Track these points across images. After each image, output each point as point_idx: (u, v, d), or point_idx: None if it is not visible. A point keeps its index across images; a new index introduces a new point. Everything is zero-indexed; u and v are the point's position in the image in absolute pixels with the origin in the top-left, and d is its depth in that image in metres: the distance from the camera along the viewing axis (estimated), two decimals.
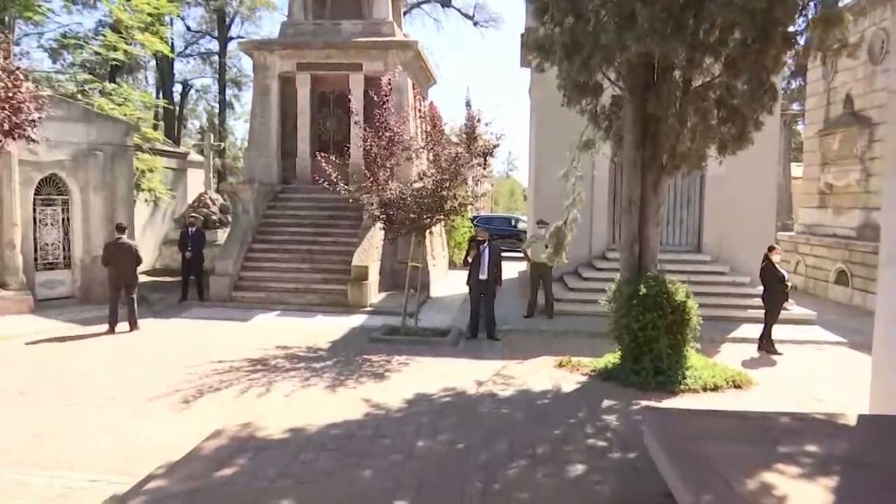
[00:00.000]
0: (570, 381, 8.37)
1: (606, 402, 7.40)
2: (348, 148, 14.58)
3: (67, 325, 11.66)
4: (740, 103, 7.57)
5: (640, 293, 7.97)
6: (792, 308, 12.05)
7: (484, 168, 11.84)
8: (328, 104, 17.53)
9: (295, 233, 15.20)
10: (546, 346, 10.47)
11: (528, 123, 18.13)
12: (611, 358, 8.79)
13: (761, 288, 10.64)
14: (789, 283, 10.82)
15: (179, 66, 34.40)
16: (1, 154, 11.55)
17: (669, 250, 13.02)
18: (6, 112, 7.83)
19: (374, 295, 14.08)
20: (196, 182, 21.88)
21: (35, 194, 12.82)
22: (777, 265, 10.31)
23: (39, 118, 8.25)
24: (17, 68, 8.21)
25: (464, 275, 12.16)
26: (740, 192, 13.41)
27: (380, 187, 10.62)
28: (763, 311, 10.60)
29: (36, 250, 12.95)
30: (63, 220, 13.38)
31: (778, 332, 10.63)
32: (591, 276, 13.30)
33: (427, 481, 5.01)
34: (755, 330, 10.91)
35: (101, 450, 6.12)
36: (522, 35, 16.37)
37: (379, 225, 11.86)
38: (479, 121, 10.91)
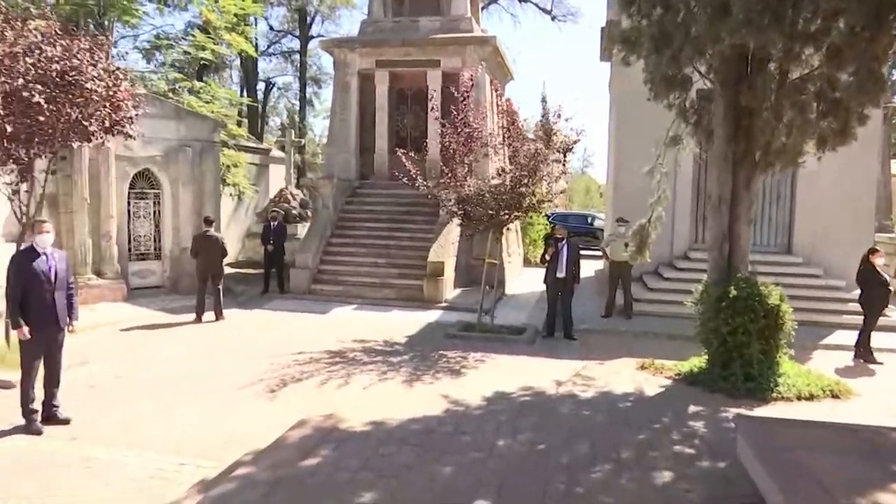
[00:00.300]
0: (652, 385, 8.11)
1: (693, 408, 7.12)
2: (426, 144, 14.63)
3: (158, 313, 12.20)
4: (844, 96, 7.12)
5: (730, 295, 7.62)
6: (892, 315, 11.31)
7: (563, 164, 11.64)
8: (406, 101, 17.67)
9: (372, 228, 15.39)
10: (625, 348, 10.21)
11: (608, 119, 17.73)
12: (696, 362, 8.47)
13: (857, 292, 10.03)
14: (892, 289, 10.16)
15: (262, 65, 35.45)
16: (100, 150, 12.21)
17: (757, 251, 12.44)
18: (107, 110, 8.20)
19: (450, 291, 14.10)
20: (277, 177, 22.48)
21: (129, 188, 13.46)
22: (880, 269, 9.69)
23: (136, 115, 8.60)
24: (117, 68, 8.59)
25: (538, 272, 12.03)
26: (836, 190, 12.68)
27: (458, 183, 10.60)
28: (860, 316, 10.00)
29: (130, 241, 13.60)
30: (154, 212, 14.00)
31: (876, 339, 10.00)
32: (673, 277, 12.89)
33: (508, 480, 4.95)
34: (849, 337, 10.31)
35: (190, 435, 6.35)
36: (603, 29, 16.04)
37: (456, 221, 11.86)
38: (559, 116, 10.73)
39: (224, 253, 12.02)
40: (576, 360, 9.40)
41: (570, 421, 6.57)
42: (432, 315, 12.64)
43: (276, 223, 14.75)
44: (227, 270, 13.30)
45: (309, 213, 18.59)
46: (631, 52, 8.13)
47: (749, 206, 8.13)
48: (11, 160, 7.95)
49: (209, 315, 11.75)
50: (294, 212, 18.48)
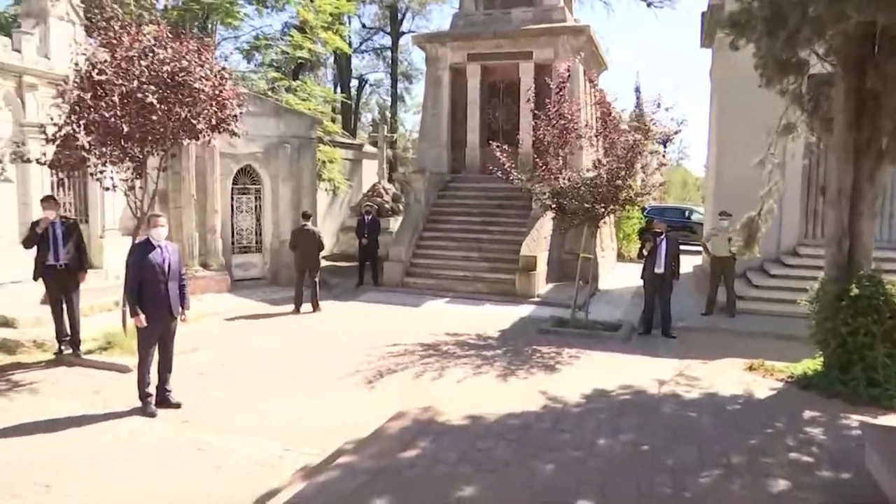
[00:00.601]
0: (762, 387, 7.67)
1: (808, 413, 6.68)
2: (518, 137, 14.48)
3: (259, 304, 12.67)
4: None
5: (852, 294, 7.07)
6: None
7: (662, 156, 11.22)
8: (498, 94, 17.55)
9: (464, 221, 15.40)
10: (727, 347, 9.73)
11: (708, 107, 16.97)
12: (811, 364, 7.93)
13: None
14: None
15: (355, 62, 36.17)
16: (206, 148, 12.78)
17: (880, 247, 11.58)
18: (213, 108, 8.54)
19: (542, 285, 13.91)
20: (370, 172, 22.93)
21: (232, 184, 14.04)
22: None
23: (240, 113, 8.92)
24: (222, 69, 8.93)
25: (632, 268, 11.66)
26: None
27: (552, 176, 10.41)
28: None
29: (233, 235, 14.19)
30: (255, 207, 14.55)
31: None
32: (780, 274, 12.19)
33: (610, 481, 4.80)
34: None
35: (292, 422, 6.53)
36: (704, 13, 15.33)
37: (549, 215, 11.68)
38: (658, 105, 10.34)
39: (320, 246, 12.34)
40: (675, 359, 9.05)
41: (674, 422, 6.31)
42: (524, 310, 12.51)
43: (370, 217, 15.02)
44: (323, 263, 13.65)
45: (401, 207, 18.84)
46: (740, 36, 7.68)
47: (873, 199, 7.52)
48: (128, 158, 8.42)
49: (307, 306, 12.10)
50: (387, 206, 18.79)
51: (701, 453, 5.44)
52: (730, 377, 8.05)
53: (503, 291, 13.60)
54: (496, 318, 11.81)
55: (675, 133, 10.51)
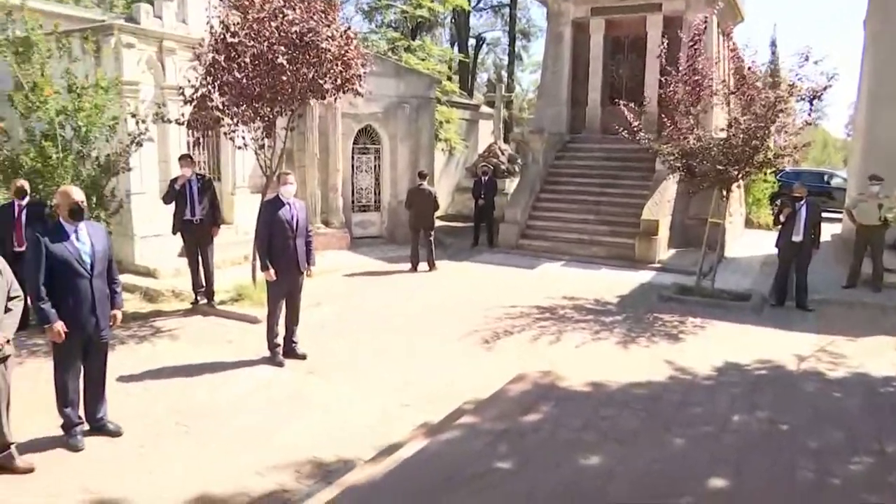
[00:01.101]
0: None
1: None
2: (644, 95, 13.75)
3: (376, 261, 12.94)
4: None
5: None
6: None
7: (809, 114, 10.28)
8: (622, 50, 16.72)
9: (582, 183, 14.95)
10: (873, 324, 8.92)
11: (860, 61, 15.39)
12: None
13: None
14: None
15: (473, 21, 35.65)
16: (329, 108, 13.06)
17: None
18: (339, 68, 8.63)
19: (663, 251, 13.31)
20: (485, 132, 22.73)
21: (353, 144, 14.31)
22: None
23: (365, 73, 8.97)
24: (348, 28, 8.98)
25: (762, 235, 10.86)
26: None
27: (681, 136, 9.81)
28: None
29: (353, 194, 14.53)
30: (374, 167, 14.79)
31: None
32: None
33: (747, 460, 4.51)
34: None
35: (410, 379, 6.63)
36: None
37: (674, 177, 11.07)
38: (806, 58, 9.44)
39: (435, 206, 12.37)
40: (814, 334, 8.40)
41: (816, 401, 5.85)
42: (644, 276, 12.04)
43: (486, 178, 14.88)
44: (438, 223, 13.73)
45: (517, 168, 18.57)
46: None
47: None
48: (258, 117, 8.71)
49: (423, 265, 12.24)
50: (503, 167, 18.58)
51: (850, 438, 5.00)
52: (884, 357, 7.34)
53: (621, 256, 13.15)
54: (614, 283, 11.45)
55: (825, 89, 9.56)
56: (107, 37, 9.93)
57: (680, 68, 9.95)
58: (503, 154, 19.48)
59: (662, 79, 10.25)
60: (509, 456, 4.20)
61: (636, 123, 10.30)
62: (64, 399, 5.03)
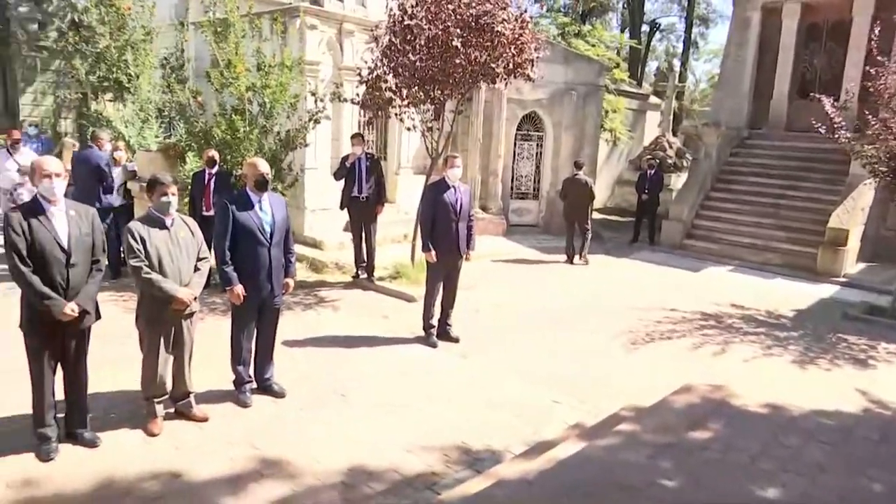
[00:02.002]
0: None
1: None
2: (843, 88, 12.35)
3: (530, 250, 12.77)
4: None
5: None
6: None
7: None
8: (818, 37, 15.13)
9: (759, 183, 13.80)
10: None
11: None
12: None
13: None
14: None
15: (647, 6, 34.09)
16: (494, 93, 12.99)
17: None
18: (511, 52, 8.49)
19: (851, 264, 11.97)
20: (652, 124, 21.69)
21: (517, 130, 14.16)
22: None
23: (537, 58, 8.76)
24: (524, 11, 8.81)
25: None
26: None
27: (892, 135, 8.66)
28: None
29: (512, 181, 14.42)
30: (536, 154, 14.56)
31: None
32: None
33: None
34: None
35: (561, 373, 6.43)
36: None
37: (874, 182, 9.82)
38: None
39: (591, 197, 11.94)
40: None
41: None
42: (826, 290, 10.89)
43: (652, 171, 14.14)
44: (595, 216, 13.28)
45: (685, 163, 17.55)
46: None
47: None
48: (429, 100, 8.80)
49: (578, 257, 11.91)
50: (669, 161, 17.63)
51: None
52: None
53: (800, 266, 12.00)
54: (790, 294, 10.46)
55: None
56: (293, 18, 10.47)
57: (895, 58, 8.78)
58: (671, 147, 18.47)
59: (872, 70, 9.09)
60: (674, 473, 3.88)
61: (839, 120, 9.23)
62: (238, 357, 5.36)
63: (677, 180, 17.17)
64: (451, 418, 5.30)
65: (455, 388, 5.96)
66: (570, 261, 11.84)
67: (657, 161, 15.29)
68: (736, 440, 4.44)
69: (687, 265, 12.31)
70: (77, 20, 18.82)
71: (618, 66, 20.40)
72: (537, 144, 14.54)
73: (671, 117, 20.53)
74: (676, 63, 32.19)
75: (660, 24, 36.86)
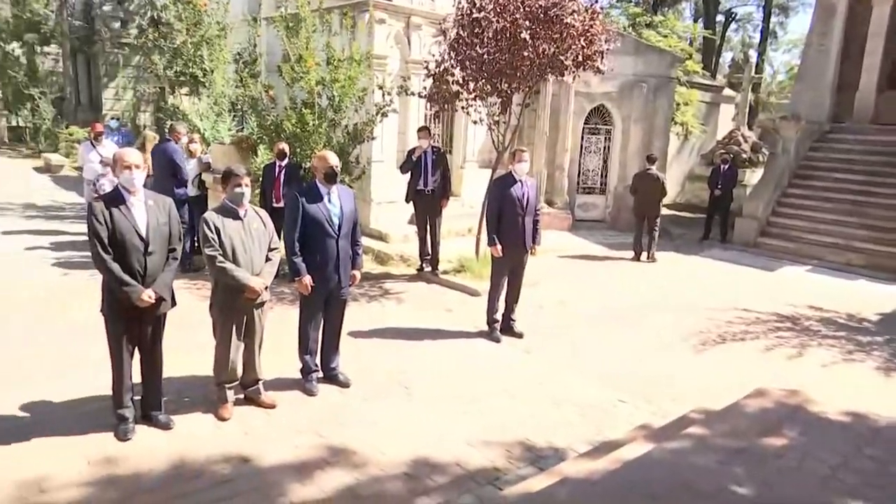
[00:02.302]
0: None
1: None
2: None
3: (596, 246, 12.56)
4: None
5: None
6: None
7: None
8: None
9: (841, 180, 13.14)
10: None
11: None
12: None
13: None
14: None
15: None
16: (562, 85, 12.80)
17: None
18: (580, 44, 8.34)
19: None
20: (726, 117, 20.94)
21: (584, 123, 13.93)
22: None
23: (607, 50, 8.58)
24: (595, 2, 8.64)
25: None
26: None
27: None
28: None
29: (578, 175, 14.20)
30: (604, 148, 14.29)
31: None
32: None
33: None
34: None
35: (626, 372, 6.30)
36: None
37: None
38: None
39: (663, 193, 11.63)
40: None
41: None
42: None
43: (725, 166, 13.65)
44: (664, 212, 12.93)
45: (761, 158, 16.89)
46: None
47: None
48: (496, 93, 8.74)
49: (645, 254, 11.64)
50: (744, 155, 17.00)
51: None
52: None
53: (886, 267, 11.36)
54: (875, 297, 9.92)
55: None
56: (362, 13, 10.59)
57: None
58: (746, 141, 17.79)
59: None
60: (746, 480, 3.74)
61: None
62: (305, 346, 5.47)
63: (752, 176, 16.54)
64: (514, 414, 5.26)
65: (518, 383, 5.92)
66: (637, 258, 11.58)
67: (731, 156, 14.75)
68: (814, 449, 4.23)
69: (761, 264, 11.86)
70: (156, 17, 19.63)
71: (690, 57, 19.79)
72: (605, 138, 14.26)
73: (746, 110, 19.76)
74: (753, 54, 30.91)
75: (736, 14, 35.49)
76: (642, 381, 6.10)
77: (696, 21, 31.03)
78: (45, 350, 5.98)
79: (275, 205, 8.38)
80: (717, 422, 4.60)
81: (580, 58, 8.43)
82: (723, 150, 15.82)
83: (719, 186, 13.40)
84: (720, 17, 33.33)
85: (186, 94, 12.79)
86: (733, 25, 36.73)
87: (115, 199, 4.32)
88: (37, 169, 19.13)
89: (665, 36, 18.10)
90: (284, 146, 8.65)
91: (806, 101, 14.72)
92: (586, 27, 8.32)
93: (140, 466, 4.18)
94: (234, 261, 4.64)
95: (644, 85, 13.82)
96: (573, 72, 8.62)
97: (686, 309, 8.67)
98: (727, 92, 22.22)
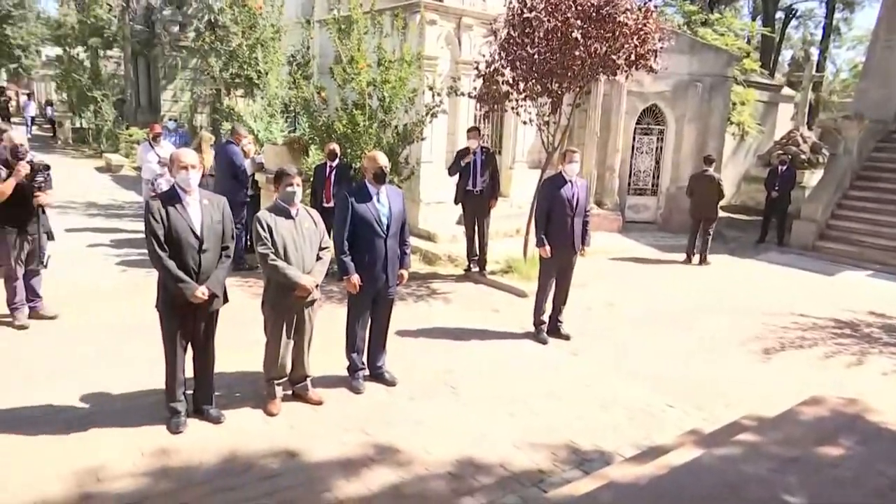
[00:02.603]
0: None
1: None
2: None
3: (647, 248, 12.34)
4: None
5: None
6: None
7: None
8: None
9: None
10: None
11: None
12: None
13: None
14: None
15: None
16: (614, 85, 12.63)
17: None
18: (633, 43, 8.21)
19: None
20: (785, 117, 20.29)
21: (636, 123, 13.70)
22: None
23: (661, 48, 8.43)
24: (649, 0, 8.49)
25: None
26: None
27: None
28: None
29: (630, 176, 13.98)
30: (656, 149, 14.04)
31: None
32: None
33: None
34: None
35: (676, 377, 6.20)
36: None
37: None
38: None
39: (720, 195, 11.35)
40: None
41: None
42: None
43: (784, 167, 13.24)
44: (720, 214, 12.61)
45: (821, 159, 16.33)
46: None
47: None
48: (546, 93, 8.69)
49: (697, 257, 11.40)
50: (803, 156, 16.46)
51: None
52: None
53: None
54: None
55: None
56: (413, 14, 10.65)
57: None
58: (805, 142, 17.21)
59: None
60: (798, 489, 3.62)
61: None
62: (352, 345, 5.54)
63: (811, 177, 16.00)
64: (560, 416, 5.23)
65: (564, 385, 5.87)
66: (688, 260, 11.35)
67: (789, 156, 14.29)
68: (872, 460, 4.08)
69: (819, 268, 11.47)
70: (213, 20, 20.14)
71: (748, 55, 19.25)
72: (658, 138, 14.01)
73: (806, 109, 19.12)
74: (814, 51, 29.94)
75: (796, 10, 34.36)
76: (692, 386, 5.99)
77: (754, 18, 30.19)
78: (103, 345, 6.21)
79: (325, 205, 8.50)
80: (771, 429, 4.48)
81: (633, 57, 8.31)
82: (781, 151, 15.34)
83: (776, 188, 13.00)
84: (780, 14, 32.29)
85: (241, 96, 13.08)
86: (793, 22, 35.61)
87: (172, 197, 4.46)
88: (98, 169, 19.88)
89: (721, 34, 17.63)
90: (335, 147, 8.77)
91: (871, 99, 14.18)
92: (639, 26, 8.19)
93: (191, 459, 4.31)
94: (286, 259, 4.73)
95: (699, 84, 13.52)
96: (626, 71, 8.50)
97: (740, 313, 8.47)
98: (786, 91, 21.51)
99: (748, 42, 24.35)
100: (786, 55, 37.97)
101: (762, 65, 22.85)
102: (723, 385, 6.08)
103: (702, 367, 6.56)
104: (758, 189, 15.35)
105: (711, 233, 11.42)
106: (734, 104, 16.89)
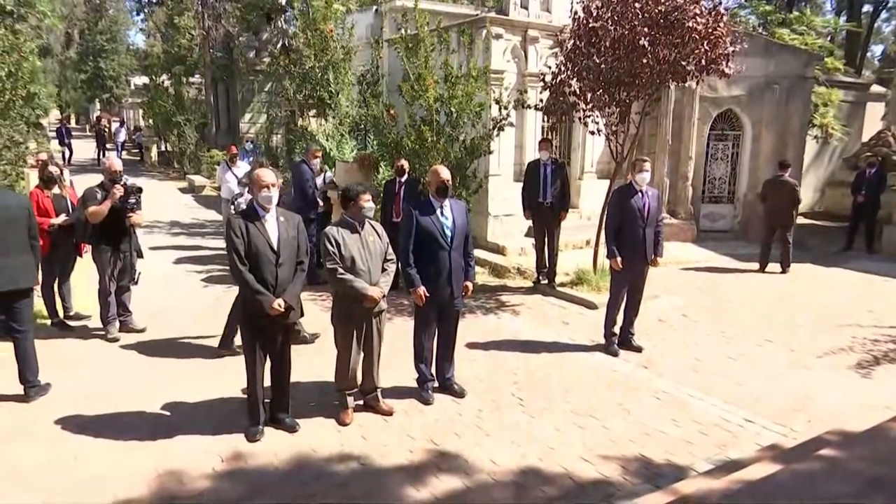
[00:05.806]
0: None
1: None
2: None
3: (723, 257, 11.93)
4: None
5: None
6: None
7: None
8: None
9: None
10: None
11: None
12: None
13: None
14: None
15: None
16: (685, 91, 12.34)
17: None
18: (703, 48, 8.03)
19: None
20: (874, 117, 19.22)
21: (710, 130, 13.33)
22: None
23: (734, 51, 8.20)
24: (719, 4, 8.28)
25: None
26: None
27: None
28: None
29: (704, 184, 13.58)
30: (732, 155, 13.60)
31: None
32: None
33: None
34: None
35: (756, 391, 5.97)
36: None
37: None
38: None
39: (795, 201, 10.85)
40: None
41: None
42: None
43: (872, 170, 12.54)
44: (800, 221, 12.07)
45: None
46: None
47: None
48: (614, 102, 8.59)
49: (774, 266, 10.93)
50: (894, 158, 15.56)
51: None
52: None
53: None
54: None
55: None
56: (479, 29, 10.76)
57: None
58: None
59: None
60: None
61: None
62: (419, 356, 5.63)
63: None
64: (630, 429, 5.15)
65: (636, 398, 5.77)
66: (762, 269, 10.91)
67: (878, 158, 13.55)
68: None
69: None
70: (287, 45, 20.89)
71: (831, 53, 18.39)
72: (733, 144, 13.57)
73: None
74: None
75: (887, 2, 32.38)
76: (771, 401, 5.76)
77: (838, 14, 28.81)
78: (186, 356, 6.54)
79: (394, 220, 8.66)
80: (856, 445, 4.27)
81: (703, 62, 8.12)
82: (869, 153, 14.58)
83: (863, 192, 12.34)
84: (867, 7, 30.64)
85: (314, 116, 13.50)
86: (884, 14, 33.71)
87: (251, 214, 4.71)
88: (182, 189, 20.92)
89: (801, 34, 16.92)
90: (404, 163, 8.93)
91: None
92: (710, 30, 8.01)
93: (267, 466, 4.49)
94: (353, 272, 4.87)
95: (776, 87, 13.04)
96: (696, 77, 8.32)
97: (822, 325, 8.08)
98: (875, 89, 20.40)
99: (831, 39, 23.27)
100: (875, 50, 36.02)
101: (848, 62, 21.78)
102: (804, 400, 5.82)
103: (782, 380, 6.30)
104: (843, 194, 14.61)
105: (790, 239, 10.94)
106: (816, 105, 16.15)
